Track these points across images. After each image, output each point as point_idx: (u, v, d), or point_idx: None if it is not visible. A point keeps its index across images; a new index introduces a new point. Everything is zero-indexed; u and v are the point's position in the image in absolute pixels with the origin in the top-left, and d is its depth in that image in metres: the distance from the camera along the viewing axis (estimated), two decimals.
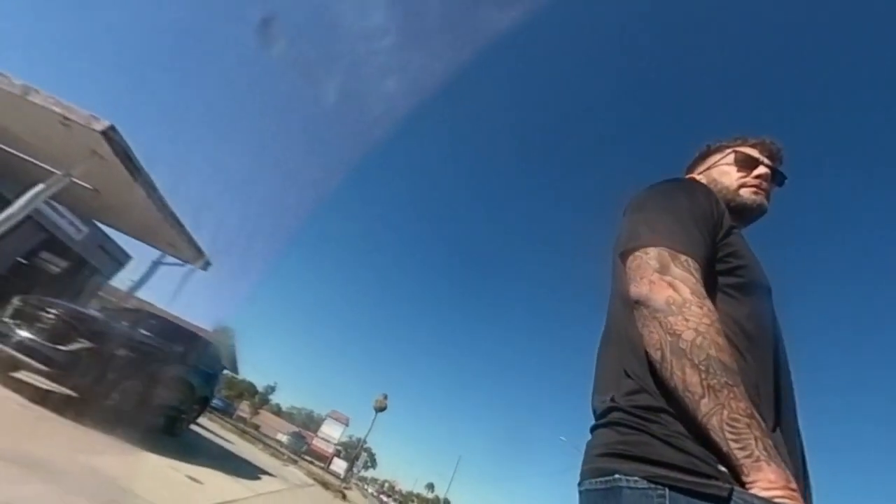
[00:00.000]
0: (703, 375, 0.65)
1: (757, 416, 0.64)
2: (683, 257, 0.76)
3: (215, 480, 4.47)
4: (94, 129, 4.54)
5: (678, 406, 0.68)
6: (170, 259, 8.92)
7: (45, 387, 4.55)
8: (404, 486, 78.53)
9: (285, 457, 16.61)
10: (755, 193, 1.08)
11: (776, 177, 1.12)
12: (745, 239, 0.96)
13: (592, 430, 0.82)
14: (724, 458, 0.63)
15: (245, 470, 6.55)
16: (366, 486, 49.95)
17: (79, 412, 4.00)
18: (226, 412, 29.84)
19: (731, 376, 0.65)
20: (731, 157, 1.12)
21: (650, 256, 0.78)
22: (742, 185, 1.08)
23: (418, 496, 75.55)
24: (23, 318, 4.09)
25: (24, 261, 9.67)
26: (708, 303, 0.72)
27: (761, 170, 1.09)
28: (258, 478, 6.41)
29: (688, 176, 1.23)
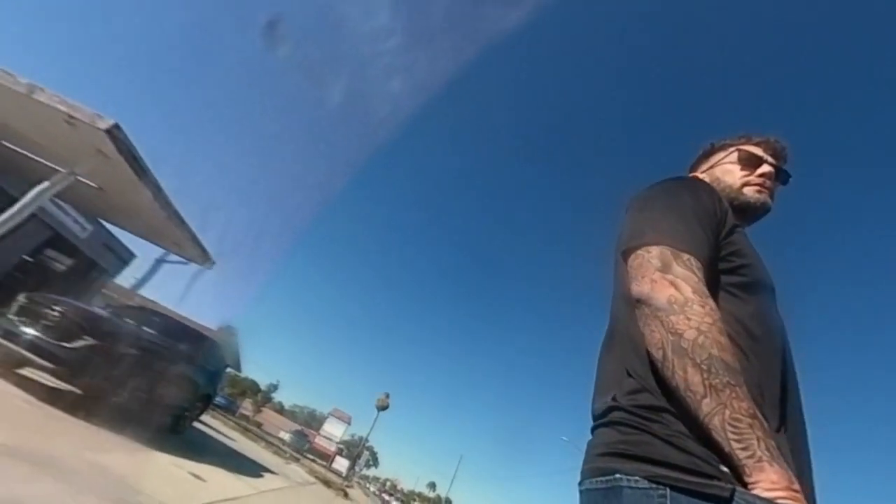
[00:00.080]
0: (705, 375, 0.64)
1: (759, 416, 0.64)
2: (686, 256, 0.76)
3: (218, 478, 4.48)
4: (98, 128, 4.56)
5: (680, 406, 0.68)
6: (173, 257, 8.95)
7: (50, 384, 4.59)
8: (406, 484, 78.84)
9: (287, 455, 16.68)
10: (759, 192, 1.07)
11: (780, 175, 1.11)
12: (749, 238, 0.95)
13: (593, 429, 0.82)
14: (726, 458, 0.62)
15: (247, 467, 6.56)
16: (368, 485, 49.98)
17: (85, 410, 4.02)
18: (229, 410, 30.03)
19: (733, 376, 0.65)
20: (735, 156, 1.11)
21: (652, 255, 0.77)
22: (745, 184, 1.08)
23: (420, 495, 75.65)
24: (28, 315, 4.11)
25: (29, 258, 9.74)
26: (710, 302, 0.71)
27: (765, 168, 1.08)
28: (260, 475, 6.42)
29: (691, 174, 1.22)
